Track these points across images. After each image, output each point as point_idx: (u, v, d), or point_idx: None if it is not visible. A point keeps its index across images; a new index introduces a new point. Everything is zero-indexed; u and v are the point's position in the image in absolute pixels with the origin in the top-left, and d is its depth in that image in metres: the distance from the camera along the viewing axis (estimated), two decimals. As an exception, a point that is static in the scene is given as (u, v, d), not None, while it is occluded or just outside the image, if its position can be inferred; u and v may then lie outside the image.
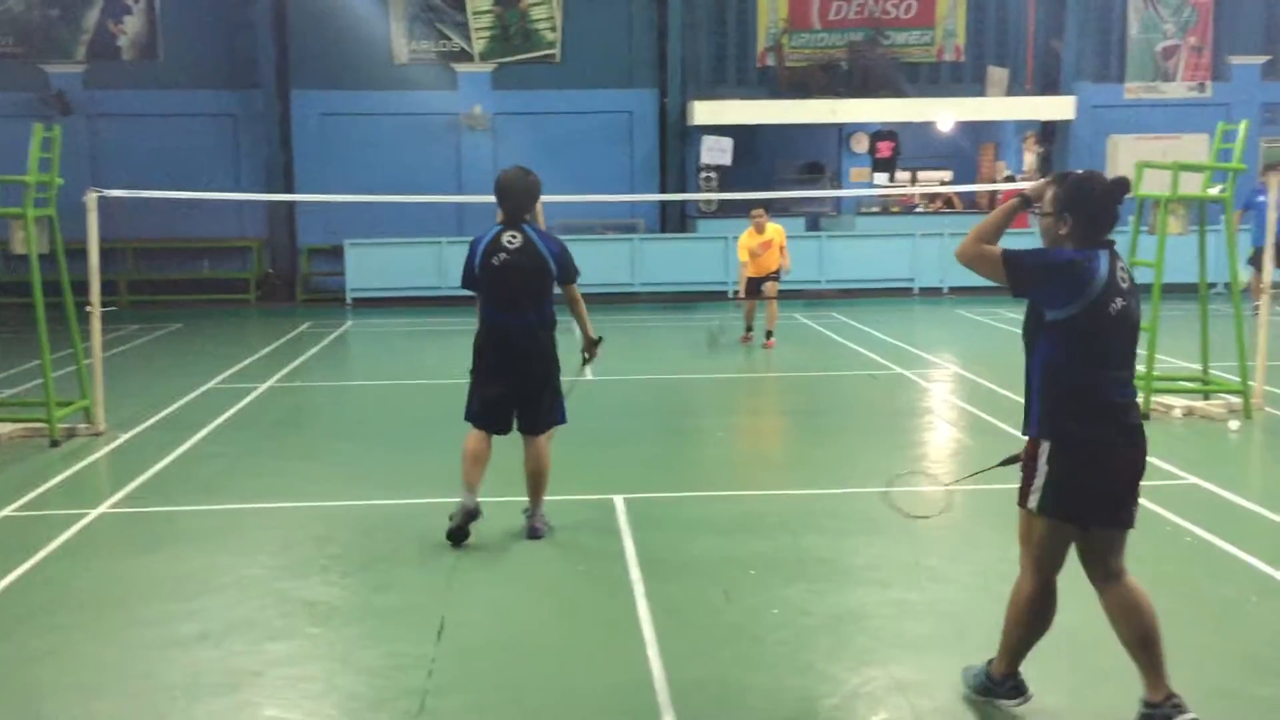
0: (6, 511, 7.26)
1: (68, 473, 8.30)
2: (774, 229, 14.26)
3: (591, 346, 6.77)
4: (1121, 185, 4.14)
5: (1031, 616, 4.33)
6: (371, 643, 5.13)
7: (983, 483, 7.99)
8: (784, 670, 4.79)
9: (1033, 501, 4.18)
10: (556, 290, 6.50)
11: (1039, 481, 4.16)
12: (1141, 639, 4.21)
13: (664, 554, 6.29)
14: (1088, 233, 4.12)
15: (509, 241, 6.26)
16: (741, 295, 14.67)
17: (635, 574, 5.92)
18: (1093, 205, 4.11)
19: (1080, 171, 4.23)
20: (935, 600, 5.57)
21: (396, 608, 5.57)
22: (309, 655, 5.02)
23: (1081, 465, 4.10)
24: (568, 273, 6.43)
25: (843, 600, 5.56)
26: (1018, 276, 4.19)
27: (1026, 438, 4.25)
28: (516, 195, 6.30)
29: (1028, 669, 4.45)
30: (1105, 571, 4.27)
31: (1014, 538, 6.51)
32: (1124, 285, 4.09)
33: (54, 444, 9.02)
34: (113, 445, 9.13)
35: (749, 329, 14.62)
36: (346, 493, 7.71)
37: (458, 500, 6.39)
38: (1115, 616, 4.28)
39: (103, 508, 7.35)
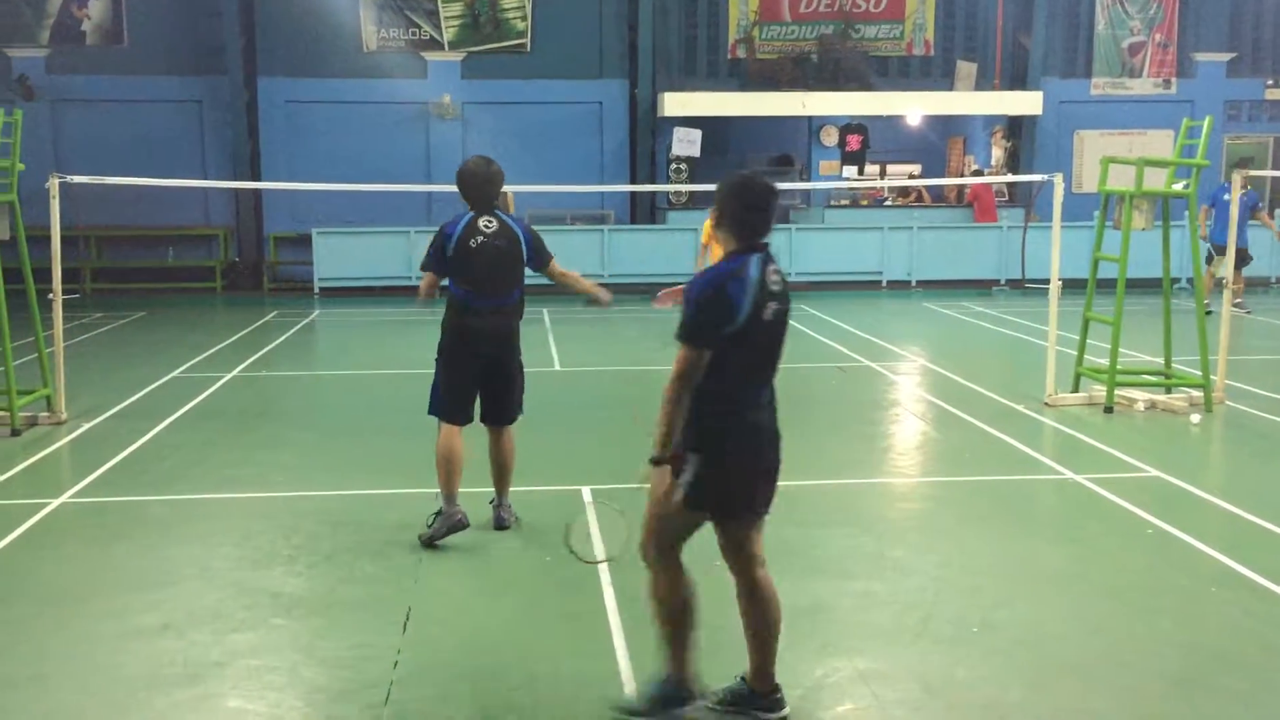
0: (-35, 501, 7.18)
1: (28, 462, 8.20)
2: None
3: (598, 294, 6.57)
4: (766, 192, 4.19)
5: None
6: (337, 634, 5.11)
7: (948, 475, 8.07)
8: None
9: (678, 495, 4.18)
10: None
11: (684, 478, 4.16)
12: (767, 628, 4.32)
13: (631, 544, 6.28)
14: (740, 234, 4.21)
15: (485, 225, 6.26)
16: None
17: (603, 566, 5.91)
18: (739, 208, 4.19)
19: (740, 174, 4.27)
20: (899, 591, 5.60)
21: (362, 599, 5.54)
22: (273, 646, 4.99)
23: (721, 464, 4.17)
24: (543, 254, 6.43)
25: (808, 591, 5.58)
26: (700, 342, 4.11)
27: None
28: (482, 184, 6.29)
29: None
30: (744, 559, 4.37)
31: (978, 528, 6.59)
32: (775, 289, 4.23)
33: (15, 433, 8.91)
34: (74, 434, 9.03)
35: None
36: (312, 483, 7.66)
37: (421, 491, 6.36)
38: (745, 604, 4.36)
39: (64, 497, 7.28)
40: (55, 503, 7.14)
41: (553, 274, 6.50)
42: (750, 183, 4.19)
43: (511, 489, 6.60)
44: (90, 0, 20.51)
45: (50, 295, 9.39)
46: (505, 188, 6.55)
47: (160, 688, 4.56)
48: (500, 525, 6.49)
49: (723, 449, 4.17)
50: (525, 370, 6.60)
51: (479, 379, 6.36)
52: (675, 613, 4.28)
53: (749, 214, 4.18)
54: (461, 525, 6.21)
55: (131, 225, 20.42)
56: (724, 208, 4.18)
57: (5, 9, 20.34)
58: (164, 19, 20.62)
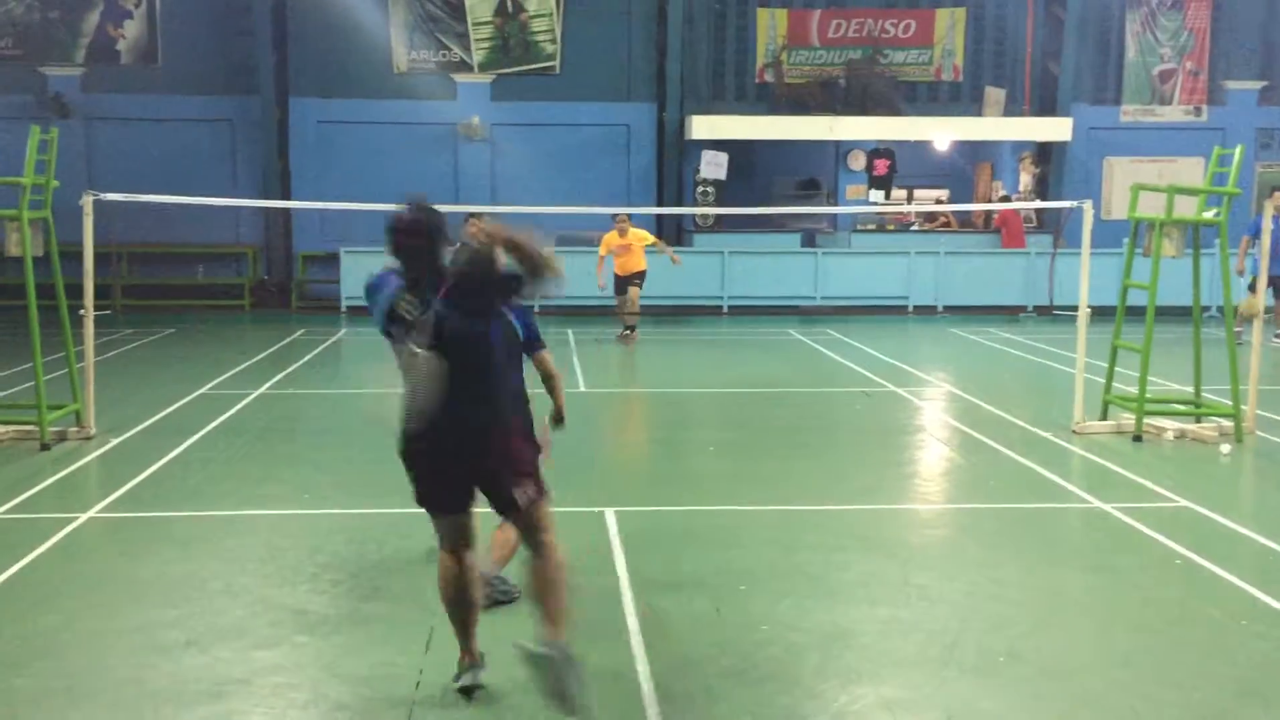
0: (-5, 514, 7.24)
1: (57, 476, 8.27)
2: (636, 234, 15.92)
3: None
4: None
5: (452, 593, 4.68)
6: (360, 652, 5.11)
7: (974, 502, 8.02)
8: (772, 687, 4.78)
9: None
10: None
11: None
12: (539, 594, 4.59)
13: (654, 567, 6.29)
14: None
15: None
16: (606, 288, 16.06)
17: (625, 587, 5.91)
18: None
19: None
20: (923, 618, 5.56)
21: (385, 617, 5.55)
22: (296, 664, 5.00)
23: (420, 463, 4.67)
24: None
25: (832, 617, 5.55)
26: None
27: None
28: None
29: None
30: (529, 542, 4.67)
31: (1004, 556, 6.54)
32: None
33: (44, 447, 8.99)
34: (103, 449, 9.10)
35: (632, 328, 16.07)
36: (337, 501, 7.69)
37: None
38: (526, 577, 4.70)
39: (92, 512, 7.33)
40: (83, 517, 7.19)
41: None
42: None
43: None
44: (126, 20, 20.78)
45: (82, 311, 9.48)
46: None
47: (184, 703, 4.57)
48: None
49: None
50: None
51: None
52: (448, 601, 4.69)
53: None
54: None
55: (162, 242, 20.62)
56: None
57: (41, 28, 20.64)
58: (198, 39, 20.87)
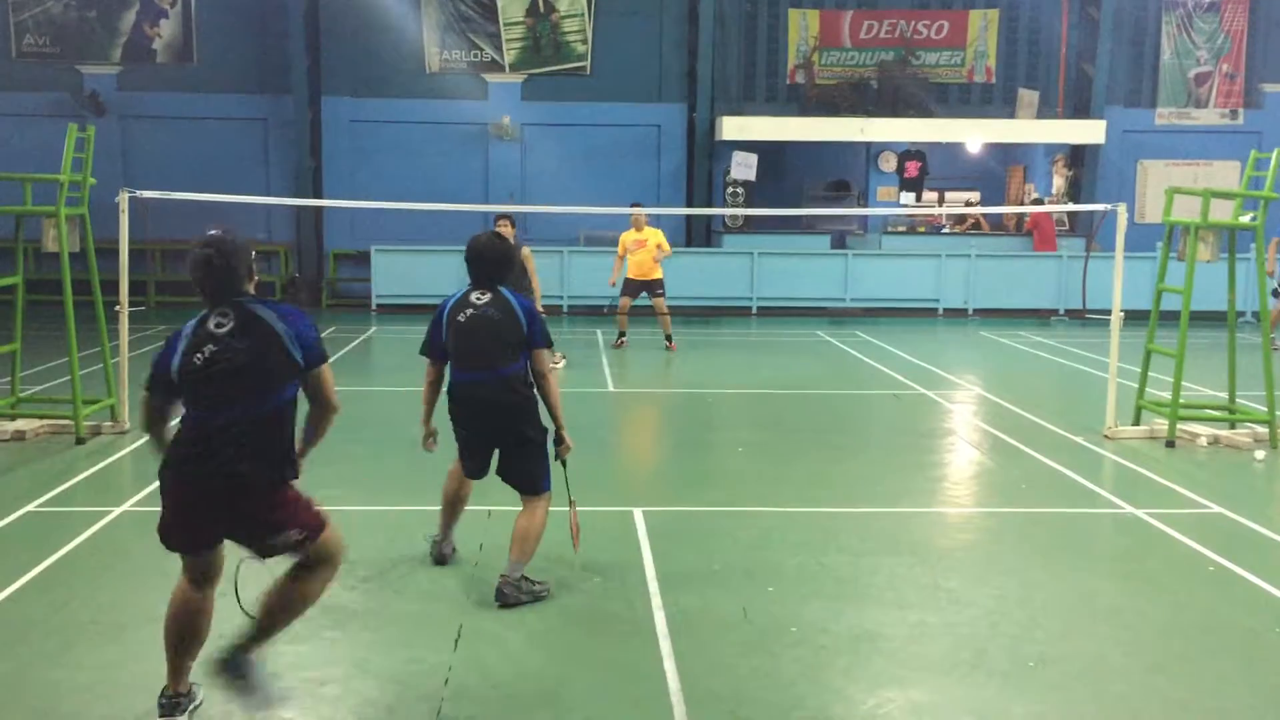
0: (30, 507, 7.32)
1: (91, 470, 8.35)
2: (653, 231, 15.23)
3: (561, 442, 5.91)
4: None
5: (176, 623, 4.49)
6: (389, 648, 5.14)
7: (1005, 506, 7.97)
8: (801, 689, 4.77)
9: None
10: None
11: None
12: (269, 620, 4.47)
13: (683, 568, 6.29)
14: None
15: (477, 299, 5.93)
16: (619, 295, 15.44)
17: (654, 587, 5.91)
18: None
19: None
20: (954, 623, 5.54)
21: (414, 614, 5.57)
22: (326, 659, 5.03)
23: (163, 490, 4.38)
24: (539, 335, 5.82)
25: (861, 620, 5.53)
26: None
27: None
28: (487, 263, 6.01)
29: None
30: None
31: (1035, 561, 6.50)
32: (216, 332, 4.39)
33: (79, 441, 9.09)
34: (137, 444, 9.18)
35: (622, 334, 15.53)
36: (367, 497, 7.73)
37: (475, 508, 6.37)
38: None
39: (125, 506, 7.40)
40: (116, 511, 7.26)
41: (538, 363, 5.85)
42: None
43: (560, 509, 6.59)
44: (162, 20, 20.98)
45: (117, 307, 9.58)
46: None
47: (215, 697, 4.60)
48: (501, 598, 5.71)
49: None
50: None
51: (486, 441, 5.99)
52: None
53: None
54: (442, 560, 6.25)
55: (196, 240, 20.73)
56: None
57: (78, 28, 20.87)
58: (233, 39, 21.05)
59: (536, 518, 5.81)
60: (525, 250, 12.03)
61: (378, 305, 19.41)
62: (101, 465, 8.51)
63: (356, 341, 16.02)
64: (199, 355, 4.28)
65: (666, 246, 15.29)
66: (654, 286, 15.23)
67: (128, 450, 8.98)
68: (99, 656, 5.01)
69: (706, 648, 5.18)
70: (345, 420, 11.43)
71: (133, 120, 20.91)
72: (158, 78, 21.07)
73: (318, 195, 20.65)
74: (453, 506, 6.30)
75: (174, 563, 6.23)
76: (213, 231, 4.63)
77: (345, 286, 21.18)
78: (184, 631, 4.46)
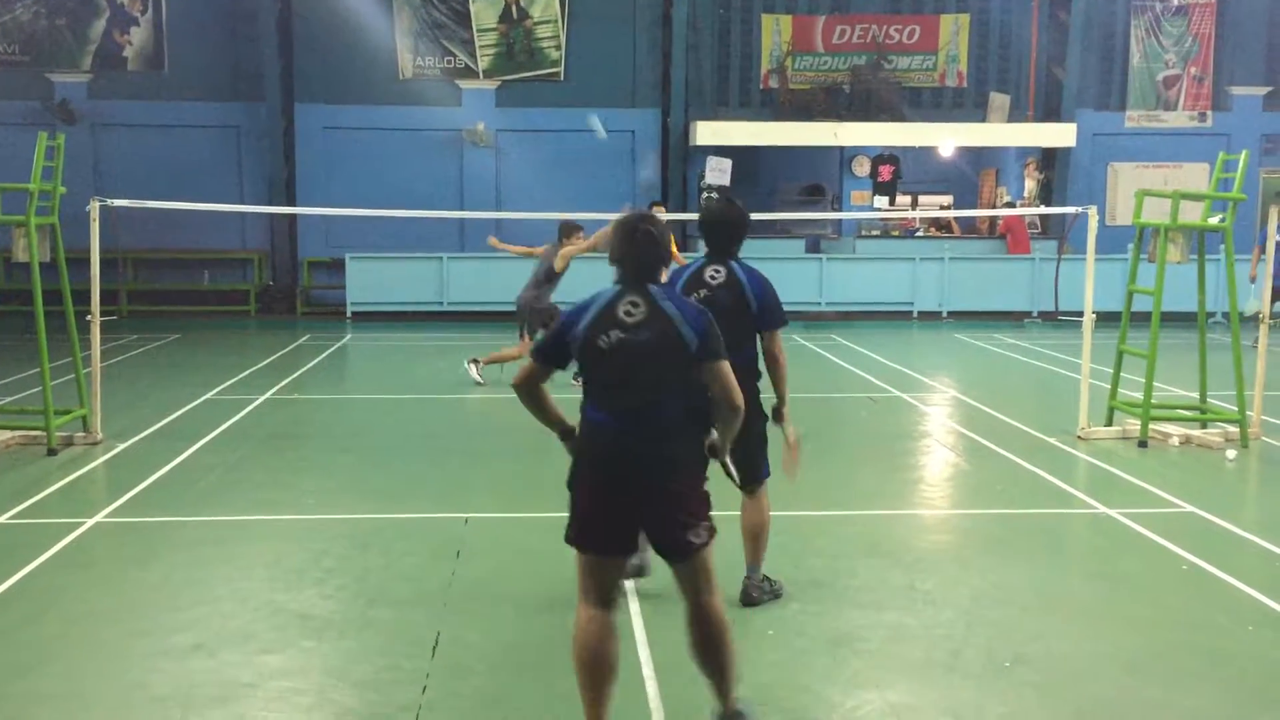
0: (2, 519, 7.26)
1: (64, 481, 8.29)
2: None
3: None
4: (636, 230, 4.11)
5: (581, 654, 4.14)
6: (366, 657, 5.12)
7: (980, 508, 8.02)
8: (779, 692, 4.78)
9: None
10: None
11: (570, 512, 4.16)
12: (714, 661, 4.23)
13: (660, 573, 6.27)
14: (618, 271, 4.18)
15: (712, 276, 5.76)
16: None
17: (630, 590, 5.91)
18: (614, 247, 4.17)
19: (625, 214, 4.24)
20: (930, 624, 5.56)
21: (391, 622, 5.55)
22: (303, 668, 5.01)
23: (578, 494, 4.15)
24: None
25: (838, 623, 5.55)
26: (550, 354, 4.25)
27: None
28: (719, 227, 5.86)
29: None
30: (687, 593, 4.22)
31: (1010, 562, 6.54)
32: (629, 320, 4.05)
33: (51, 452, 9.01)
34: (110, 454, 9.12)
35: None
36: (343, 506, 7.70)
37: (451, 516, 6.36)
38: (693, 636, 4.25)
39: (98, 517, 7.34)
40: (90, 522, 7.20)
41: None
42: (623, 223, 4.19)
43: (541, 515, 6.59)
44: (132, 27, 20.85)
45: (88, 317, 9.51)
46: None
47: (192, 708, 4.58)
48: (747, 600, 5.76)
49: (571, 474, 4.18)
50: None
51: None
52: (579, 661, 4.12)
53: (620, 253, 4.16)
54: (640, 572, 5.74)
55: (168, 248, 20.67)
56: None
57: (48, 35, 20.71)
58: (204, 46, 20.92)
59: (762, 510, 5.78)
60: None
61: (352, 313, 19.33)
62: (74, 476, 8.44)
63: (332, 349, 15.95)
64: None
65: (675, 252, 14.28)
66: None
67: (100, 461, 8.92)
68: (71, 669, 4.97)
69: (684, 653, 5.16)
70: (324, 429, 11.43)
71: (104, 128, 20.75)
72: (129, 85, 20.92)
73: (291, 202, 20.55)
74: None
75: (149, 575, 6.21)
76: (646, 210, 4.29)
77: (319, 294, 21.08)
78: (592, 664, 4.10)
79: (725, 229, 5.83)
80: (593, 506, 4.09)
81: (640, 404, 4.06)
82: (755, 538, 5.77)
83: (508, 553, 6.50)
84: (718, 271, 5.72)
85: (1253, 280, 15.54)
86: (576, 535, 4.13)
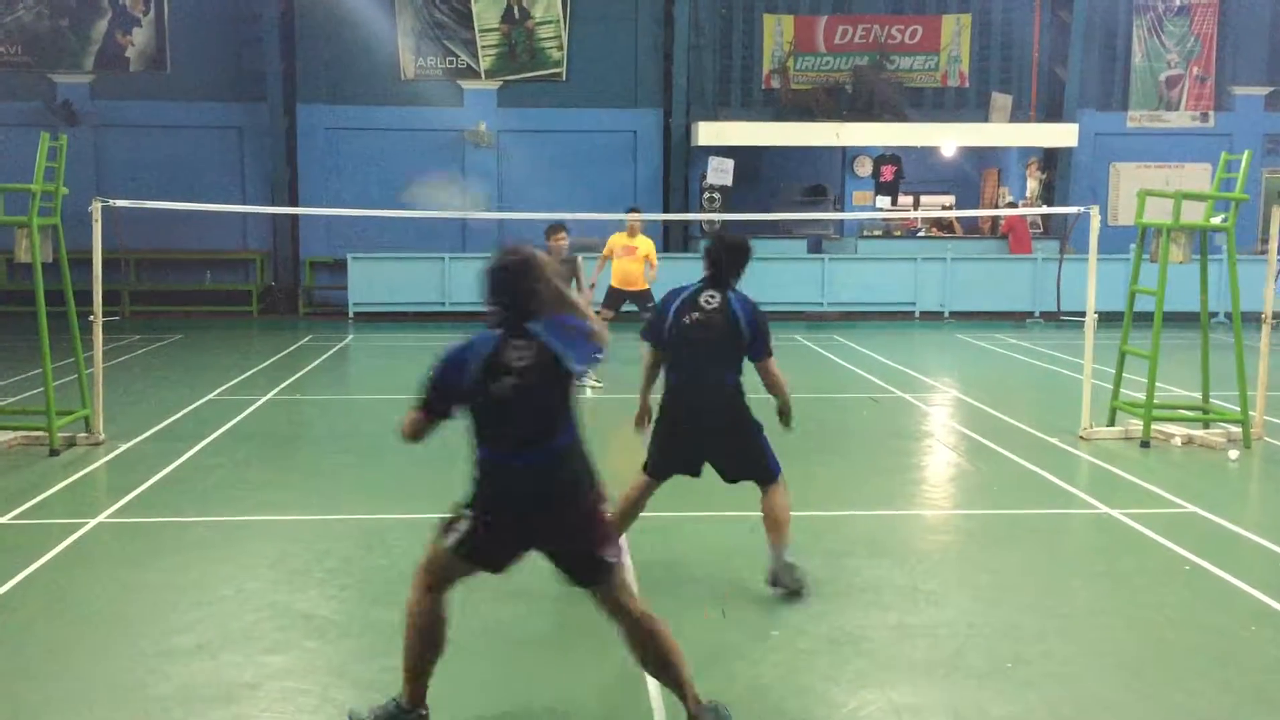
0: (4, 520, 7.26)
1: (66, 482, 8.29)
2: (644, 240, 14.22)
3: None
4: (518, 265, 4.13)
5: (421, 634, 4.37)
6: (369, 657, 5.12)
7: (982, 508, 8.02)
8: (781, 691, 4.78)
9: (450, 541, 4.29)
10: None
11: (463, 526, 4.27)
12: (667, 667, 4.31)
13: (663, 572, 6.29)
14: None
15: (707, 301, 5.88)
16: (603, 309, 14.11)
17: (635, 592, 5.90)
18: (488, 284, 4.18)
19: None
20: (933, 624, 5.56)
21: (394, 622, 5.52)
22: (306, 668, 5.01)
23: (479, 523, 4.25)
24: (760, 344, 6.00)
25: (841, 622, 5.55)
26: (438, 407, 4.30)
27: None
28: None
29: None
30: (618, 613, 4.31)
31: (1012, 562, 6.54)
32: (518, 364, 4.07)
33: (53, 452, 9.02)
34: (112, 455, 9.13)
35: None
36: (345, 506, 7.71)
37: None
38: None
39: (101, 517, 7.35)
40: (92, 523, 7.21)
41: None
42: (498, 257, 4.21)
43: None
44: (134, 28, 20.86)
45: (91, 317, 9.51)
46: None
47: (194, 708, 4.59)
48: (774, 582, 5.96)
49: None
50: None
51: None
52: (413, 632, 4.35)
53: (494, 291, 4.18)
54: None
55: (170, 249, 20.68)
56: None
57: (51, 36, 20.73)
58: (206, 46, 20.94)
59: (775, 504, 5.95)
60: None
61: (355, 313, 19.34)
62: (76, 477, 8.45)
63: (334, 349, 15.96)
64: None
65: (655, 260, 14.17)
66: (643, 299, 14.04)
67: (102, 461, 8.92)
68: (74, 670, 4.97)
69: (687, 652, 5.16)
70: (327, 429, 11.44)
71: (106, 129, 20.77)
72: (131, 86, 20.94)
73: (293, 203, 20.57)
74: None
75: (151, 575, 6.21)
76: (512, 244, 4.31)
77: (322, 294, 21.10)
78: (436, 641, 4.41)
79: (731, 261, 5.96)
80: (491, 535, 4.23)
81: (535, 436, 4.14)
82: (776, 526, 5.94)
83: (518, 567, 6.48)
84: (713, 297, 5.89)
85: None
86: (470, 552, 4.27)
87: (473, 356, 4.13)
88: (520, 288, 4.12)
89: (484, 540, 4.24)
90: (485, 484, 4.22)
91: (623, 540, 5.63)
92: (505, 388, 4.06)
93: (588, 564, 4.23)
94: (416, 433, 4.33)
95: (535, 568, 6.29)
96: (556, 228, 11.88)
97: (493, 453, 4.19)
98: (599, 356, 4.33)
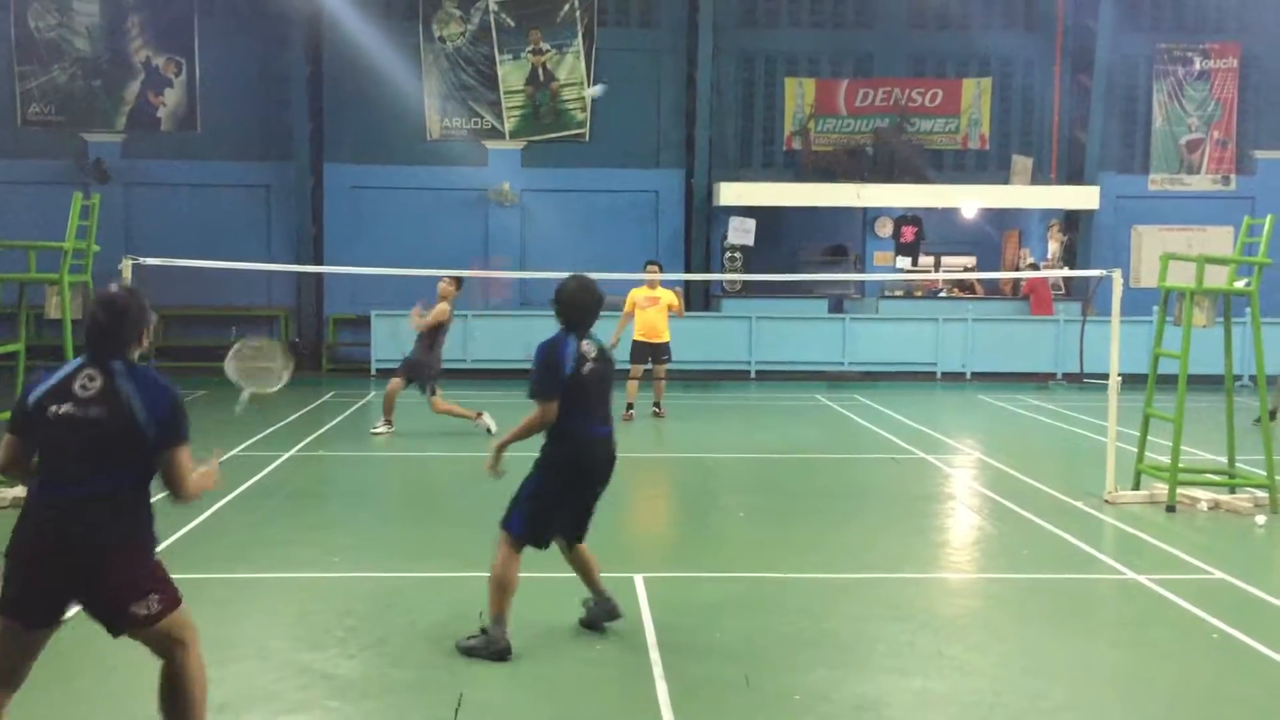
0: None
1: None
2: (665, 291, 14.59)
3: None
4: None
5: None
6: (389, 717, 5.10)
7: (1006, 572, 7.95)
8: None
9: None
10: None
11: None
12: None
13: (684, 635, 6.25)
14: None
15: (586, 350, 5.96)
16: (633, 366, 14.51)
17: (655, 654, 5.88)
18: None
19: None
20: (957, 691, 5.50)
21: (414, 683, 5.53)
22: (325, 729, 4.98)
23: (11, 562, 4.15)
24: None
25: (863, 688, 5.50)
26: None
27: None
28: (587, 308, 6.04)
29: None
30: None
31: (1037, 628, 6.47)
32: (81, 394, 4.11)
33: (76, 507, 9.04)
34: (135, 510, 9.14)
35: (630, 405, 14.56)
36: (366, 564, 7.70)
37: (474, 575, 6.36)
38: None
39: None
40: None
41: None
42: None
43: (561, 576, 6.57)
44: (166, 88, 21.25)
45: (118, 373, 9.57)
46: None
47: (214, 768, 4.57)
48: (613, 615, 6.22)
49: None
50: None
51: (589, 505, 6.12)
52: None
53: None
54: (505, 655, 5.76)
55: (197, 305, 20.88)
56: None
57: (84, 96, 21.13)
58: (236, 107, 21.30)
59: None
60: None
61: (377, 369, 19.43)
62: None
63: (356, 406, 16.03)
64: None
65: (679, 305, 14.54)
66: (660, 351, 14.50)
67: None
68: (44, 703, 4.97)
69: (709, 717, 5.14)
70: (348, 486, 11.44)
71: (136, 187, 21.09)
72: (162, 145, 21.29)
73: (319, 260, 20.78)
74: (511, 587, 5.89)
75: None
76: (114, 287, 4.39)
77: (345, 351, 21.23)
78: None
79: (574, 310, 6.07)
80: (25, 576, 4.08)
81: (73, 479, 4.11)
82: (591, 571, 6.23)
83: (530, 615, 6.47)
84: (591, 347, 6.03)
85: None
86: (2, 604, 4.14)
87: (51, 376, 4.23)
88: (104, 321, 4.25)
89: (14, 587, 4.18)
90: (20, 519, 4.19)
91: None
92: (60, 413, 4.11)
93: (115, 616, 4.24)
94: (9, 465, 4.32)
95: (554, 633, 6.27)
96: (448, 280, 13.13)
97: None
98: None
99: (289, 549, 8.13)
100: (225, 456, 11.51)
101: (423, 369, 13.16)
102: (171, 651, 4.26)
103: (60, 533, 4.04)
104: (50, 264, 9.41)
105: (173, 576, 7.42)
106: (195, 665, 4.30)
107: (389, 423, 13.28)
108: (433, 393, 13.16)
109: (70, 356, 9.17)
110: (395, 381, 13.40)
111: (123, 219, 20.54)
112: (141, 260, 10.05)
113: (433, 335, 13.26)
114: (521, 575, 6.01)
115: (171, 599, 4.29)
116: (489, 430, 12.58)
